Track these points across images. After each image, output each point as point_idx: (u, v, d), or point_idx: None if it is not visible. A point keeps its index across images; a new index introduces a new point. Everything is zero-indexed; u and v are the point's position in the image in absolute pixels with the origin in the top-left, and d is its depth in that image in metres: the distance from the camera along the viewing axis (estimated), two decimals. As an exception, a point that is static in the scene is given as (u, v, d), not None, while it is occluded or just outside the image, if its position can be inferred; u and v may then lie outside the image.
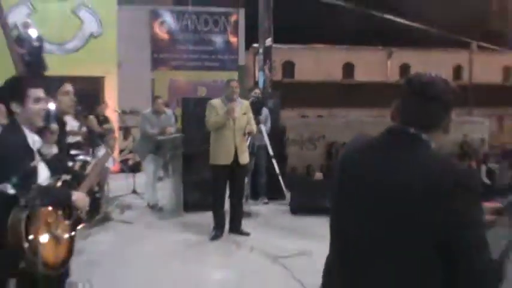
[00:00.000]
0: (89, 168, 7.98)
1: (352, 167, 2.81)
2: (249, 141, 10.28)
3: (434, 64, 40.37)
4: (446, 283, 2.55)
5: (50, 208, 4.20)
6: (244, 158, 9.68)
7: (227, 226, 9.74)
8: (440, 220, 2.48)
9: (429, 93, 2.70)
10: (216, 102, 9.61)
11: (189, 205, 11.35)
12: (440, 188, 2.50)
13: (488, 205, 2.97)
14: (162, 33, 24.83)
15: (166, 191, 12.05)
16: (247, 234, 9.69)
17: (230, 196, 9.87)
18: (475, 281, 2.55)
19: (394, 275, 2.58)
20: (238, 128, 9.50)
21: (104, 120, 12.89)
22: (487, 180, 20.56)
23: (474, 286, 2.57)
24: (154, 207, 11.80)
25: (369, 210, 2.63)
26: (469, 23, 44.41)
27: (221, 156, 9.45)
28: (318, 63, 47.28)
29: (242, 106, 9.63)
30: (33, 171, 4.22)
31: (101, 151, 8.77)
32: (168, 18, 24.99)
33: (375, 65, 48.23)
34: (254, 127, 9.98)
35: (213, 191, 9.82)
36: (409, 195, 2.53)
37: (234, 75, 21.82)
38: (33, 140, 4.45)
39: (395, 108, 2.76)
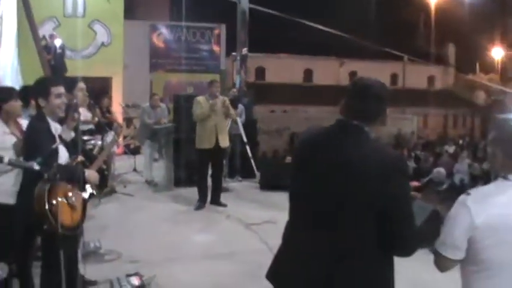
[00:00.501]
0: (98, 151, 7.97)
1: (307, 152, 2.82)
2: (228, 126, 10.30)
3: (376, 72, 40.37)
4: (382, 244, 2.59)
5: (68, 182, 4.21)
6: (225, 143, 9.70)
7: (209, 198, 9.72)
8: (380, 194, 2.51)
9: (369, 93, 2.73)
10: (201, 98, 9.61)
11: (179, 181, 11.32)
12: (380, 170, 2.54)
13: (412, 183, 3.02)
14: (159, 42, 24.87)
15: (160, 170, 12.03)
16: (224, 205, 9.67)
17: (212, 174, 9.86)
18: (405, 241, 2.62)
19: (341, 238, 2.60)
20: (219, 119, 9.53)
21: (106, 111, 12.84)
22: (414, 165, 20.76)
23: (404, 245, 2.64)
24: (150, 183, 11.77)
25: (321, 186, 2.65)
26: (403, 41, 44.68)
27: (205, 141, 9.45)
28: (284, 69, 47.25)
29: (222, 101, 9.63)
30: (55, 152, 4.23)
31: (109, 137, 8.73)
32: (165, 31, 25.06)
33: (329, 72, 48.31)
34: (232, 112, 10.04)
35: (198, 170, 9.86)
36: (353, 175, 2.55)
37: (216, 77, 21.74)
38: (55, 127, 4.52)
39: (342, 105, 2.77)
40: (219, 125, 9.52)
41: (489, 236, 2.48)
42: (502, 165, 2.62)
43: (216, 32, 25.75)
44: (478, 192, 2.58)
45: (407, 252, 2.65)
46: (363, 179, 2.54)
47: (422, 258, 3.23)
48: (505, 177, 2.57)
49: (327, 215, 2.63)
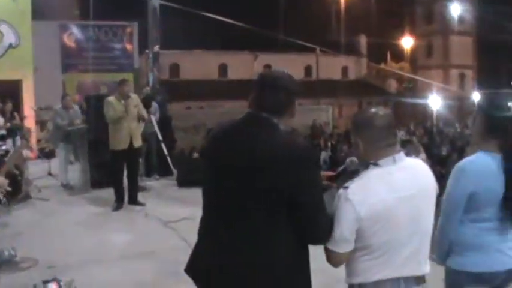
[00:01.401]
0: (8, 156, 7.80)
1: (216, 146, 2.84)
2: (142, 125, 10.22)
3: (290, 64, 40.83)
4: (293, 234, 2.66)
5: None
6: (138, 143, 9.65)
7: (126, 198, 9.66)
8: (290, 184, 2.55)
9: (277, 86, 2.74)
10: (112, 99, 9.44)
11: (95, 183, 11.18)
12: (289, 159, 2.57)
13: (325, 173, 3.11)
14: (70, 43, 24.39)
15: (76, 172, 11.84)
16: (143, 204, 9.64)
17: (128, 175, 9.80)
18: (319, 228, 2.67)
19: (253, 229, 2.64)
20: (132, 118, 9.42)
21: (11, 117, 12.51)
22: (330, 154, 21.18)
23: (317, 233, 2.69)
24: (66, 186, 11.58)
25: (231, 179, 2.67)
26: (315, 33, 45.41)
27: (119, 142, 9.35)
28: (199, 65, 47.19)
29: (133, 100, 9.55)
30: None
31: (19, 142, 8.55)
32: (75, 30, 24.55)
33: (244, 66, 48.51)
34: (144, 112, 9.90)
35: (114, 172, 9.70)
36: (264, 165, 2.58)
37: (130, 76, 21.64)
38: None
39: (251, 98, 2.79)
40: (132, 126, 9.43)
41: (374, 224, 2.61)
42: (364, 152, 2.75)
43: (128, 30, 25.46)
44: (355, 184, 2.68)
45: (322, 238, 2.70)
46: (272, 170, 2.57)
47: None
48: (375, 164, 2.71)
49: (239, 207, 2.66)
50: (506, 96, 3.32)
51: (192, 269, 2.91)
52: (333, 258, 2.75)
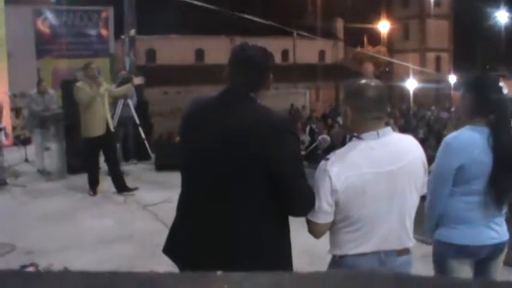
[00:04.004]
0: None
1: (195, 122, 2.82)
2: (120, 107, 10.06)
3: (266, 47, 40.70)
4: (275, 206, 2.67)
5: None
6: (112, 126, 9.55)
7: (113, 189, 9.47)
8: (270, 156, 2.57)
9: (251, 63, 2.74)
10: (82, 84, 9.13)
11: (72, 168, 11.09)
12: (269, 132, 2.59)
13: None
14: (44, 28, 24.02)
15: (53, 159, 11.74)
16: (135, 188, 9.46)
17: (109, 162, 9.57)
18: (304, 198, 2.70)
19: (235, 205, 2.65)
20: (105, 101, 9.27)
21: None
22: (309, 137, 21.24)
23: (298, 205, 2.73)
24: (43, 172, 11.47)
25: (214, 153, 2.66)
26: (292, 17, 45.43)
27: (95, 128, 9.11)
28: (175, 50, 47.01)
29: (102, 83, 9.35)
30: None
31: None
32: (50, 15, 24.21)
33: (220, 50, 48.18)
34: (117, 90, 10.02)
35: (89, 160, 9.51)
36: (245, 138, 2.60)
37: (106, 61, 21.52)
38: None
39: (226, 73, 2.79)
40: (105, 109, 9.26)
41: (351, 196, 2.65)
42: (352, 121, 2.77)
43: (104, 15, 25.17)
44: (335, 156, 2.72)
45: (306, 208, 2.72)
46: (253, 142, 2.58)
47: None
48: (358, 137, 2.74)
49: (219, 182, 2.66)
50: (494, 77, 3.47)
51: (172, 250, 2.90)
52: (313, 229, 2.79)
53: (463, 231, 3.25)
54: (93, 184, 9.43)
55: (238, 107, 2.69)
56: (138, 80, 10.02)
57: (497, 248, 3.31)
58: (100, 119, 9.15)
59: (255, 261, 2.63)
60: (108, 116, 9.39)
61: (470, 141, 3.19)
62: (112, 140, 9.66)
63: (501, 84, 3.29)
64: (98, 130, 9.14)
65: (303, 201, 2.72)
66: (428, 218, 3.38)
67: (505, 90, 3.26)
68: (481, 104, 3.23)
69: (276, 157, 2.59)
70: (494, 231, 3.29)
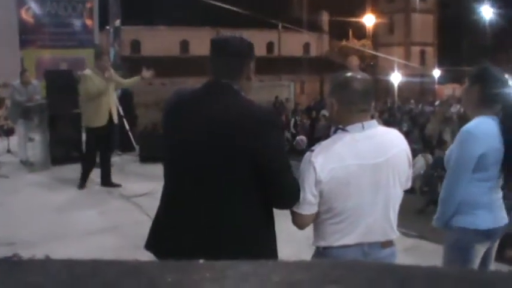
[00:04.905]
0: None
1: (179, 113, 2.81)
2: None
3: (251, 40, 40.64)
4: (264, 198, 2.68)
5: None
6: (116, 118, 9.22)
7: (98, 180, 9.36)
8: (258, 148, 2.57)
9: (228, 50, 2.75)
10: (90, 73, 8.76)
11: (55, 159, 11.04)
12: (255, 124, 2.59)
13: None
14: (28, 18, 23.76)
15: (36, 149, 11.67)
16: (119, 185, 9.24)
17: (103, 153, 9.29)
18: (289, 191, 2.71)
19: (220, 199, 2.64)
20: (111, 93, 9.00)
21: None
22: (294, 130, 21.30)
23: (288, 196, 2.73)
24: (26, 163, 11.41)
25: (199, 145, 2.65)
26: (277, 9, 45.42)
27: (98, 119, 8.80)
28: (160, 41, 46.87)
29: (112, 74, 8.97)
30: None
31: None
32: (33, 5, 23.99)
33: (205, 42, 47.40)
34: (123, 80, 9.80)
35: (87, 151, 9.26)
36: (231, 130, 2.59)
37: (90, 52, 21.36)
38: None
39: (208, 65, 2.80)
40: (111, 101, 9.00)
41: (335, 187, 2.66)
42: (337, 114, 2.78)
43: (88, 5, 24.93)
44: (320, 147, 2.73)
45: (292, 202, 2.74)
46: (239, 135, 2.58)
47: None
48: (343, 129, 2.75)
49: (203, 175, 2.66)
50: (498, 69, 3.58)
51: (155, 245, 2.86)
52: (297, 220, 2.80)
53: (485, 216, 3.41)
54: (85, 178, 9.20)
55: (223, 99, 2.68)
56: (147, 73, 9.62)
57: (503, 229, 3.53)
58: (104, 110, 8.84)
59: (239, 253, 2.61)
60: (113, 107, 9.13)
61: (489, 129, 3.35)
62: (113, 132, 9.42)
63: (504, 75, 3.48)
64: (100, 121, 8.84)
65: (288, 194, 2.72)
66: (447, 205, 3.48)
67: (509, 81, 3.46)
68: (488, 95, 3.39)
69: (262, 150, 2.59)
70: (504, 212, 3.51)
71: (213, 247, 2.62)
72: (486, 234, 3.42)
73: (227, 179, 2.64)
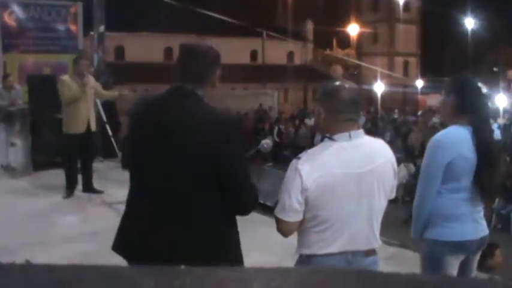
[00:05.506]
0: None
1: (143, 120, 2.85)
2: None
3: (236, 48, 40.91)
4: (226, 203, 2.73)
5: None
6: (94, 126, 9.07)
7: (80, 186, 9.22)
8: (215, 155, 2.62)
9: (196, 54, 2.82)
10: (67, 78, 8.67)
11: (37, 164, 10.98)
12: (216, 130, 2.65)
13: None
14: (11, 22, 23.60)
15: (17, 155, 11.58)
16: (100, 192, 9.16)
17: (83, 160, 9.17)
18: (245, 197, 2.77)
19: (181, 204, 2.70)
20: (90, 100, 8.84)
21: None
22: (277, 139, 21.31)
23: (241, 204, 2.79)
24: (7, 168, 11.33)
25: (162, 151, 2.70)
26: (262, 17, 45.56)
27: (75, 125, 8.65)
28: (144, 47, 46.75)
29: (90, 80, 8.83)
30: None
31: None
32: (17, 9, 23.85)
33: (190, 49, 48.35)
34: (105, 93, 9.74)
35: (68, 158, 9.11)
36: (193, 136, 2.64)
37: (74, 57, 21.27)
38: None
39: (174, 69, 2.86)
40: (89, 107, 8.86)
41: (320, 196, 2.67)
42: (325, 122, 2.80)
43: (73, 10, 24.79)
44: (307, 155, 2.75)
45: (249, 207, 2.81)
46: (201, 141, 2.63)
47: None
48: (330, 138, 2.76)
49: (166, 181, 2.71)
50: (474, 78, 3.67)
51: (122, 247, 2.94)
52: (282, 227, 2.81)
53: (456, 228, 3.40)
54: (70, 186, 8.99)
55: (186, 105, 2.74)
56: (125, 91, 9.76)
57: (482, 242, 3.52)
58: (82, 117, 8.67)
59: (197, 257, 2.58)
60: (92, 115, 8.98)
61: (458, 137, 3.35)
62: (91, 139, 9.17)
63: (480, 85, 3.52)
64: (79, 127, 8.69)
65: (244, 199, 2.79)
66: (418, 217, 3.50)
67: (484, 91, 3.53)
68: (463, 105, 3.40)
69: (221, 157, 2.65)
70: (480, 225, 3.49)
71: (175, 250, 2.68)
72: (457, 246, 3.42)
73: (189, 184, 2.68)
